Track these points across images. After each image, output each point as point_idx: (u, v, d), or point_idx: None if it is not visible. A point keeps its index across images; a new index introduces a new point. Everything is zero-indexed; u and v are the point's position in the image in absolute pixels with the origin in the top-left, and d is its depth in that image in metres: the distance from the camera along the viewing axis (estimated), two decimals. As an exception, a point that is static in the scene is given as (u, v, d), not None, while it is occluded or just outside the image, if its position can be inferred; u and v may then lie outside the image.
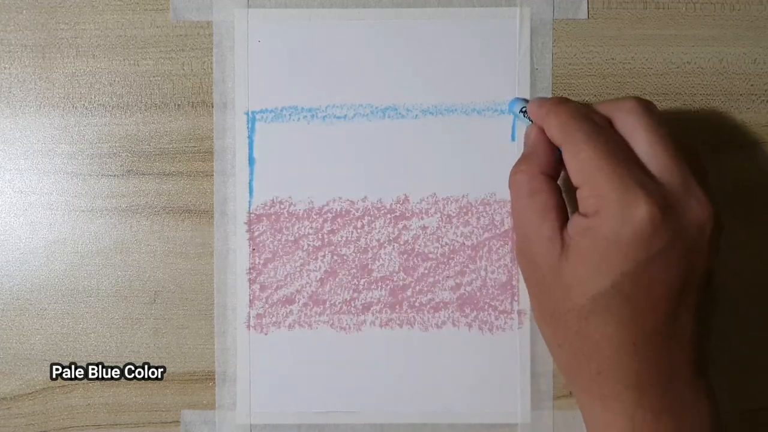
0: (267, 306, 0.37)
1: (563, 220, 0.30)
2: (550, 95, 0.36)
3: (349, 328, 0.37)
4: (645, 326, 0.28)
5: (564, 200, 0.31)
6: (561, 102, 0.31)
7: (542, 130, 0.32)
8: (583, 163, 0.29)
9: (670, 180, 0.28)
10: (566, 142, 0.30)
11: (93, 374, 0.37)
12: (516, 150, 0.36)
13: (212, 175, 0.37)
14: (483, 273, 0.37)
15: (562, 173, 0.33)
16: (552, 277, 0.30)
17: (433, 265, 0.37)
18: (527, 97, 0.36)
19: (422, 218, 0.37)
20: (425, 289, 0.37)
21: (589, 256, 0.28)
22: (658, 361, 0.29)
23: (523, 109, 0.34)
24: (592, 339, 0.29)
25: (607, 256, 0.28)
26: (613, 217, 0.28)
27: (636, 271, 0.28)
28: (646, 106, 0.30)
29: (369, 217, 0.37)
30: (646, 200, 0.27)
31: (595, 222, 0.28)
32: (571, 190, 0.30)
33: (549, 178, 0.31)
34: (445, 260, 0.37)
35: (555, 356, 0.31)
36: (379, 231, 0.37)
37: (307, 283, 0.37)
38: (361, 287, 0.37)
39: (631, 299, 0.28)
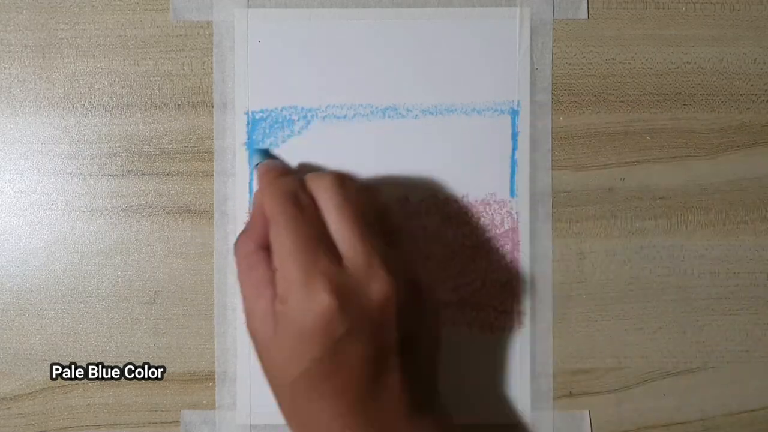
0: (267, 306, 0.37)
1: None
2: (550, 95, 0.36)
3: (349, 328, 0.37)
4: (348, 397, 0.29)
5: None
6: (277, 177, 0.32)
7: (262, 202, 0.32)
8: (281, 248, 0.30)
9: (354, 261, 0.29)
10: (272, 222, 0.31)
11: (93, 374, 0.37)
12: (517, 154, 0.36)
13: (212, 175, 0.37)
14: (483, 273, 0.37)
15: None
16: (267, 354, 0.31)
17: (433, 265, 0.37)
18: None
19: (422, 218, 0.37)
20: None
21: (287, 339, 0.29)
22: (369, 420, 0.30)
23: (258, 165, 0.35)
24: (304, 413, 0.30)
25: (297, 343, 0.29)
26: (297, 305, 0.29)
27: (325, 356, 0.29)
28: (338, 183, 0.31)
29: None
30: (325, 289, 0.28)
31: (285, 308, 0.29)
32: None
33: (266, 252, 0.31)
34: (445, 260, 0.37)
35: (288, 423, 0.32)
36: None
37: (307, 283, 0.37)
38: (361, 287, 0.37)
39: (327, 378, 0.29)
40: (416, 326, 0.31)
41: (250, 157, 0.36)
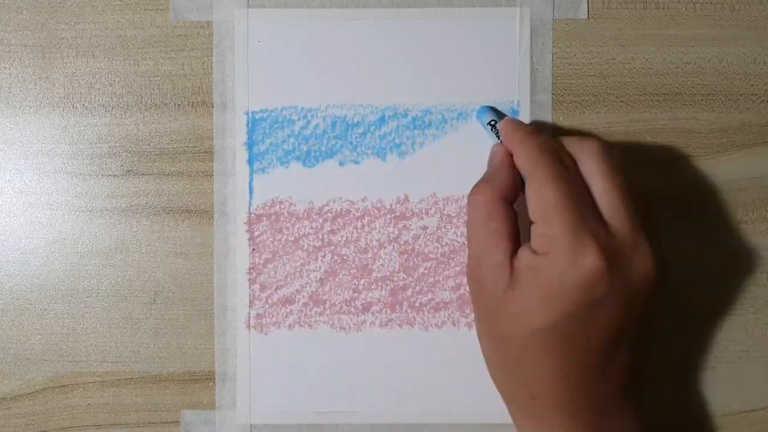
0: (267, 306, 0.37)
1: (515, 249, 0.31)
2: (550, 95, 0.36)
3: (349, 328, 0.37)
4: (578, 362, 0.30)
5: (518, 228, 0.31)
6: (533, 133, 0.32)
7: (509, 154, 0.32)
8: (543, 202, 0.30)
9: (620, 230, 0.30)
10: (531, 176, 0.30)
11: (93, 374, 0.37)
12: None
13: (212, 175, 0.37)
14: (483, 273, 0.37)
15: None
16: (497, 304, 0.31)
17: (433, 265, 0.37)
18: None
19: (422, 218, 0.37)
20: (425, 289, 0.37)
21: (533, 292, 0.30)
22: (589, 391, 0.30)
23: (492, 122, 0.34)
24: (528, 368, 0.30)
25: (550, 296, 0.29)
26: (561, 260, 0.29)
27: (575, 314, 0.29)
28: (607, 151, 0.31)
29: (369, 217, 0.37)
30: (595, 250, 0.29)
31: (544, 262, 0.29)
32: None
33: (507, 204, 0.31)
34: (445, 260, 0.37)
35: (493, 375, 0.33)
36: (379, 231, 0.37)
37: (307, 283, 0.37)
38: (361, 287, 0.37)
39: (567, 338, 0.29)
40: (651, 307, 0.31)
41: (251, 159, 0.36)
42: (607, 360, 0.30)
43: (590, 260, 0.29)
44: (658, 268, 0.30)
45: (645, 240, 0.30)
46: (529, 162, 0.31)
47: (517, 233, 0.31)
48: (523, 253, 0.30)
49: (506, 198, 0.31)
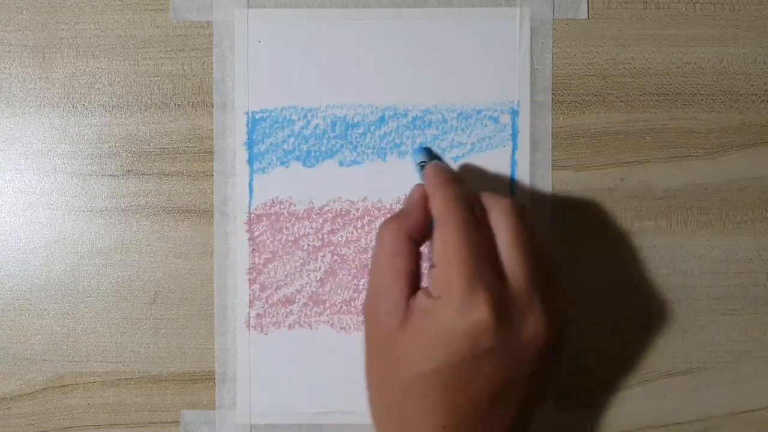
0: (267, 306, 0.37)
1: (413, 288, 0.31)
2: (550, 95, 0.36)
3: (349, 328, 0.37)
4: (457, 414, 0.29)
5: (420, 270, 0.31)
6: (452, 181, 0.32)
7: (426, 197, 0.32)
8: (446, 247, 0.29)
9: (516, 287, 0.29)
10: (441, 221, 0.30)
11: (93, 374, 0.37)
12: (517, 154, 0.36)
13: (212, 175, 0.37)
14: (483, 273, 0.37)
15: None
16: (387, 343, 0.30)
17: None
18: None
19: (422, 218, 0.37)
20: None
21: (422, 336, 0.29)
22: None
23: (422, 164, 0.35)
24: (408, 413, 0.30)
25: (437, 342, 0.29)
26: (452, 307, 0.29)
27: (459, 364, 0.29)
28: (517, 209, 0.31)
29: (369, 217, 0.37)
30: (486, 302, 0.28)
31: (437, 306, 0.29)
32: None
33: (414, 243, 0.31)
34: (445, 260, 0.37)
35: (373, 417, 0.32)
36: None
37: (307, 283, 0.37)
38: (361, 287, 0.37)
39: (449, 387, 0.29)
40: (546, 368, 0.31)
41: (251, 159, 0.36)
42: (486, 417, 0.30)
43: (479, 311, 0.28)
44: (549, 331, 0.29)
45: (539, 301, 0.29)
46: (441, 207, 0.31)
47: (419, 275, 0.31)
48: (420, 294, 0.30)
49: (414, 238, 0.31)
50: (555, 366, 0.32)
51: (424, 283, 0.31)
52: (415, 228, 0.31)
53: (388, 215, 0.36)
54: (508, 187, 0.36)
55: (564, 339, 0.31)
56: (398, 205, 0.37)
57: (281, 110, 0.36)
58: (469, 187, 0.32)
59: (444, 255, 0.30)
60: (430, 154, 0.36)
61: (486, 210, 0.31)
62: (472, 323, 0.28)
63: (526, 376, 0.30)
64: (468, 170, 0.36)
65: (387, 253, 0.31)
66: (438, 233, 0.30)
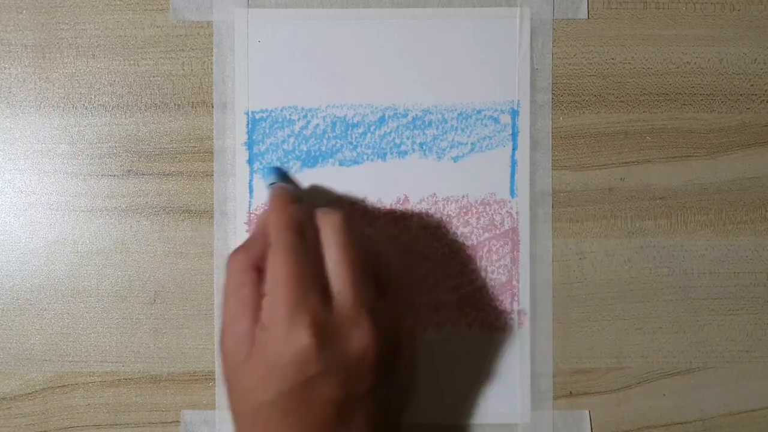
0: (267, 306, 0.37)
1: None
2: (550, 95, 0.36)
3: (349, 328, 0.37)
4: None
5: None
6: (287, 204, 0.32)
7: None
8: (274, 275, 0.29)
9: (342, 304, 0.29)
10: (272, 248, 0.30)
11: (93, 374, 0.37)
12: (517, 154, 0.36)
13: (212, 175, 0.37)
14: (483, 273, 0.37)
15: None
16: (235, 375, 0.30)
17: (433, 265, 0.37)
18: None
19: (422, 218, 0.37)
20: (425, 289, 0.37)
21: (259, 367, 0.29)
22: None
23: (272, 184, 0.35)
24: None
25: (270, 373, 0.29)
26: (277, 336, 0.29)
27: (292, 391, 0.29)
28: (346, 225, 0.31)
29: (369, 217, 0.37)
30: (307, 327, 0.28)
31: (266, 336, 0.29)
32: None
33: (260, 273, 0.31)
34: (445, 260, 0.37)
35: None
36: (379, 231, 0.37)
37: (307, 283, 0.37)
38: (361, 287, 0.37)
39: (289, 414, 0.29)
40: (390, 378, 0.31)
41: (251, 159, 0.36)
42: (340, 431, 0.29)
43: (301, 338, 0.28)
44: (378, 343, 0.29)
45: (366, 314, 0.29)
46: (273, 233, 0.31)
47: None
48: (258, 326, 0.30)
49: (260, 266, 0.30)
50: (408, 370, 0.31)
51: None
52: (260, 256, 0.31)
53: (388, 216, 0.36)
54: (508, 187, 0.36)
55: (403, 345, 0.31)
56: (398, 205, 0.37)
57: (281, 110, 0.36)
58: (307, 208, 0.32)
59: (271, 281, 0.30)
60: (280, 175, 0.36)
61: (318, 227, 0.31)
62: (296, 351, 0.28)
63: (367, 390, 0.29)
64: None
65: (234, 285, 0.31)
66: (269, 260, 0.30)
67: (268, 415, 0.29)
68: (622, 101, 0.37)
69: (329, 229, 0.31)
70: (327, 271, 0.30)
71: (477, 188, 0.37)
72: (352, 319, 0.29)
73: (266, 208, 0.33)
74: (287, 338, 0.28)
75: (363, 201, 0.36)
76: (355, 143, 0.37)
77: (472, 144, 0.36)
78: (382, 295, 0.31)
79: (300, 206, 0.32)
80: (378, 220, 0.36)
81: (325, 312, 0.29)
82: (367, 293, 0.30)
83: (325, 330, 0.29)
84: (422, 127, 0.36)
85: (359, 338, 0.29)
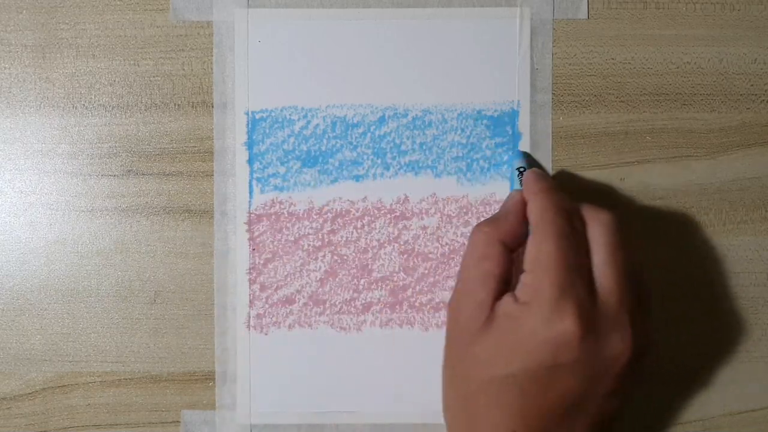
0: (267, 306, 0.37)
1: (501, 293, 0.30)
2: (550, 95, 0.36)
3: (349, 328, 0.37)
4: (527, 422, 0.29)
5: (511, 274, 0.31)
6: (552, 189, 0.32)
7: (523, 203, 0.32)
8: (541, 255, 0.30)
9: (606, 303, 0.29)
10: (537, 229, 0.30)
11: (93, 374, 0.37)
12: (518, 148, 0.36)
13: (212, 175, 0.37)
14: (483, 273, 0.37)
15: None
16: (467, 342, 0.30)
17: (433, 265, 0.37)
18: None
19: (422, 218, 0.37)
20: (425, 289, 0.37)
21: (503, 340, 0.29)
22: None
23: (521, 169, 0.34)
24: (478, 413, 0.30)
25: (517, 347, 0.29)
26: (539, 314, 0.29)
27: (536, 373, 0.29)
28: (617, 226, 0.31)
29: (369, 217, 0.37)
30: (574, 315, 0.28)
31: (523, 312, 0.29)
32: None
33: (505, 248, 0.31)
34: (445, 260, 0.37)
35: (445, 410, 0.32)
36: (379, 231, 0.37)
37: (307, 283, 0.37)
38: (361, 287, 0.37)
39: (522, 394, 0.29)
40: (628, 388, 0.30)
41: (251, 159, 0.36)
42: (557, 427, 0.29)
43: (566, 323, 0.28)
44: (633, 350, 0.29)
45: (628, 320, 0.29)
46: (539, 214, 0.31)
47: (508, 280, 0.31)
48: (506, 298, 0.30)
49: (506, 243, 0.31)
50: (635, 386, 0.31)
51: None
52: (508, 233, 0.31)
53: (388, 216, 0.37)
54: (508, 187, 0.36)
55: (647, 360, 0.31)
56: (398, 205, 0.37)
57: (281, 110, 0.36)
58: (568, 197, 0.32)
59: (537, 262, 0.30)
60: (530, 160, 0.36)
61: (585, 222, 0.31)
62: (558, 333, 0.28)
63: (604, 393, 0.29)
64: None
65: (477, 256, 0.31)
66: (533, 240, 0.30)
67: (501, 388, 0.29)
68: (622, 101, 0.37)
69: (599, 225, 0.31)
70: (593, 269, 0.30)
71: (477, 188, 0.37)
72: (614, 320, 0.29)
73: (515, 189, 0.33)
74: (551, 318, 0.28)
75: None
76: (355, 143, 0.37)
77: (472, 144, 0.36)
78: (640, 305, 0.30)
79: (565, 195, 0.32)
80: (378, 220, 0.36)
81: (591, 305, 0.29)
82: (630, 299, 0.30)
83: (589, 322, 0.29)
84: (422, 127, 0.36)
85: (618, 341, 0.29)
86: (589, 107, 0.37)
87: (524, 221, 0.32)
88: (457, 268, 0.36)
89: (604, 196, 0.37)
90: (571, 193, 0.36)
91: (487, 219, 0.32)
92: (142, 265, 0.37)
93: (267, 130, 0.36)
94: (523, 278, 0.30)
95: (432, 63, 0.36)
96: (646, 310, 0.31)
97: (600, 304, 0.29)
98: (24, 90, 0.37)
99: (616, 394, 0.30)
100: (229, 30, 0.36)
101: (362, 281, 0.37)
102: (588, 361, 0.29)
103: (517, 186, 0.34)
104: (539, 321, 0.29)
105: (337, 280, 0.37)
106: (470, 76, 0.36)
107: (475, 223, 0.36)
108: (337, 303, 0.37)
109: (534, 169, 0.34)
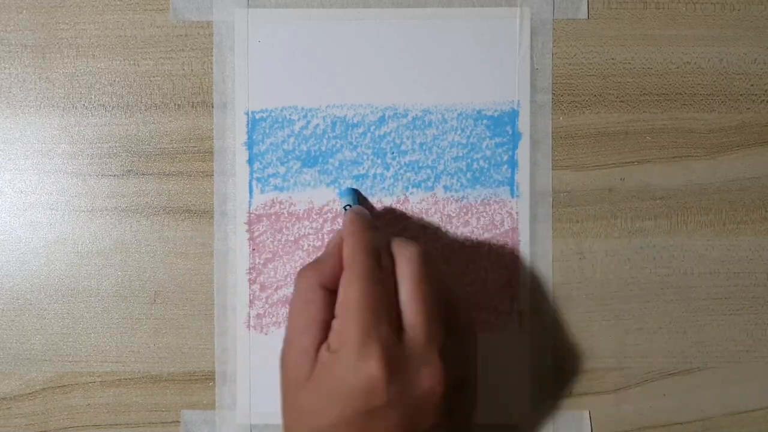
0: (267, 306, 0.37)
1: (325, 338, 0.30)
2: (550, 95, 0.36)
3: (349, 328, 0.37)
4: None
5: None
6: (364, 230, 0.31)
7: (341, 244, 0.32)
8: (346, 299, 0.29)
9: (413, 339, 0.29)
10: (345, 271, 0.30)
11: (93, 374, 0.37)
12: (517, 154, 0.36)
13: (212, 175, 0.37)
14: (483, 273, 0.37)
15: None
16: (294, 393, 0.30)
17: (433, 265, 0.37)
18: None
19: (422, 218, 0.37)
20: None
21: (321, 390, 0.29)
22: None
23: (346, 207, 0.34)
24: None
25: (333, 397, 0.29)
26: (346, 362, 0.28)
27: (354, 419, 0.28)
28: (423, 259, 0.30)
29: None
30: (378, 358, 0.28)
31: (333, 360, 0.29)
32: None
33: (327, 292, 0.30)
34: (445, 260, 0.37)
35: None
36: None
37: (307, 283, 0.37)
38: (361, 287, 0.37)
39: None
40: (452, 417, 0.30)
41: (251, 159, 0.36)
42: None
43: (371, 367, 0.28)
44: (446, 382, 0.29)
45: (437, 353, 0.29)
46: (348, 256, 0.30)
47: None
48: (323, 347, 0.29)
49: (328, 286, 0.30)
50: (465, 416, 0.31)
51: None
52: (329, 276, 0.31)
53: (388, 215, 0.36)
54: (508, 187, 0.36)
55: (468, 384, 0.31)
56: (398, 205, 0.37)
57: (281, 110, 0.36)
58: (383, 235, 0.32)
59: (343, 307, 0.29)
60: (356, 197, 0.36)
61: (394, 257, 0.31)
62: (364, 379, 0.28)
63: (429, 428, 0.29)
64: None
65: (301, 301, 0.31)
66: (342, 283, 0.30)
67: None
68: (622, 101, 0.37)
69: (405, 260, 0.30)
70: (400, 303, 0.30)
71: (477, 188, 0.37)
72: (422, 356, 0.29)
73: (340, 229, 0.33)
74: (356, 365, 0.28)
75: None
76: (355, 143, 0.37)
77: (472, 144, 0.36)
78: (452, 333, 0.30)
79: (377, 233, 0.32)
80: (378, 220, 0.36)
81: (396, 344, 0.29)
82: (438, 331, 0.29)
83: (395, 363, 0.28)
84: (422, 127, 0.36)
85: (428, 376, 0.29)
86: (589, 107, 0.37)
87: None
88: (458, 268, 0.36)
89: (605, 196, 0.37)
90: (568, 194, 0.36)
91: (311, 262, 0.32)
92: (142, 265, 0.37)
93: (267, 130, 0.36)
94: (333, 325, 0.29)
95: (432, 63, 0.36)
96: (461, 338, 0.31)
97: (407, 340, 0.29)
98: (24, 90, 0.37)
99: (442, 427, 0.29)
100: (229, 30, 0.36)
101: (362, 281, 0.37)
102: (400, 402, 0.28)
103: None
104: (347, 368, 0.28)
105: (337, 280, 0.37)
106: (470, 76, 0.36)
107: (475, 224, 0.36)
108: (337, 303, 0.37)
109: (354, 208, 0.34)
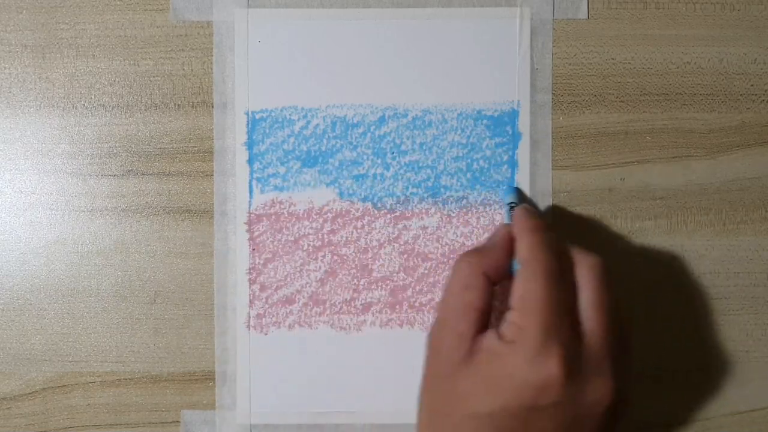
0: (267, 306, 0.37)
1: (482, 326, 0.30)
2: (550, 95, 0.36)
3: (349, 328, 0.37)
4: None
5: (491, 308, 0.31)
6: (543, 228, 0.32)
7: (511, 239, 0.32)
8: (528, 294, 0.29)
9: (591, 347, 0.29)
10: (526, 266, 0.30)
11: (93, 374, 0.37)
12: (517, 154, 0.36)
13: (212, 175, 0.37)
14: (483, 273, 0.37)
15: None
16: (446, 376, 0.30)
17: (433, 265, 0.37)
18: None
19: (422, 218, 0.37)
20: (425, 289, 0.37)
21: (484, 376, 0.29)
22: None
23: (512, 204, 0.34)
24: None
25: (498, 385, 0.29)
26: (523, 355, 0.28)
27: (516, 412, 0.28)
28: (605, 269, 0.31)
29: (369, 217, 0.37)
30: (559, 358, 0.28)
31: (507, 350, 0.29)
32: None
33: (488, 280, 0.31)
34: (445, 260, 0.37)
35: (420, 429, 0.31)
36: (379, 231, 0.37)
37: (307, 283, 0.37)
38: (361, 287, 0.37)
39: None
40: None
41: (251, 159, 0.36)
42: None
43: (550, 366, 0.28)
44: (615, 395, 0.29)
45: (611, 365, 0.29)
46: (529, 252, 0.30)
47: (489, 312, 0.31)
48: (489, 334, 0.30)
49: (490, 275, 0.31)
50: (616, 428, 0.31)
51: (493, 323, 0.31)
52: (493, 266, 0.31)
53: (388, 216, 0.36)
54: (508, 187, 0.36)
55: (628, 406, 0.31)
56: (398, 205, 0.37)
57: (281, 110, 0.36)
58: (557, 236, 0.32)
59: (524, 301, 0.29)
60: (521, 196, 0.36)
61: (573, 263, 0.31)
62: (541, 376, 0.28)
63: None
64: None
65: (460, 285, 0.31)
66: (521, 278, 0.30)
67: (479, 427, 0.29)
68: (622, 101, 0.37)
69: (588, 268, 0.30)
70: (580, 312, 0.30)
71: (477, 188, 0.37)
72: (598, 365, 0.29)
73: (505, 223, 0.33)
74: (535, 360, 0.28)
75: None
76: (355, 143, 0.37)
77: (472, 144, 0.36)
78: (623, 350, 0.30)
79: (555, 235, 0.32)
80: (378, 220, 0.36)
81: (575, 348, 0.29)
82: (615, 344, 0.29)
83: (573, 365, 0.28)
84: (422, 127, 0.36)
85: (599, 387, 0.29)
86: (589, 107, 0.37)
87: (509, 257, 0.32)
88: (457, 268, 0.36)
89: (605, 196, 0.37)
90: (568, 194, 0.36)
91: (473, 249, 0.32)
92: (142, 265, 0.37)
93: (267, 130, 0.36)
94: (509, 316, 0.30)
95: (432, 63, 0.36)
96: (628, 358, 0.31)
97: (585, 347, 0.29)
98: (24, 90, 0.37)
99: None
100: (229, 30, 0.36)
101: (362, 281, 0.37)
102: (568, 405, 0.28)
103: (507, 220, 0.34)
104: (523, 361, 0.28)
105: (337, 280, 0.37)
106: (470, 76, 0.36)
107: (475, 224, 0.36)
108: (337, 303, 0.37)
109: (525, 205, 0.34)
